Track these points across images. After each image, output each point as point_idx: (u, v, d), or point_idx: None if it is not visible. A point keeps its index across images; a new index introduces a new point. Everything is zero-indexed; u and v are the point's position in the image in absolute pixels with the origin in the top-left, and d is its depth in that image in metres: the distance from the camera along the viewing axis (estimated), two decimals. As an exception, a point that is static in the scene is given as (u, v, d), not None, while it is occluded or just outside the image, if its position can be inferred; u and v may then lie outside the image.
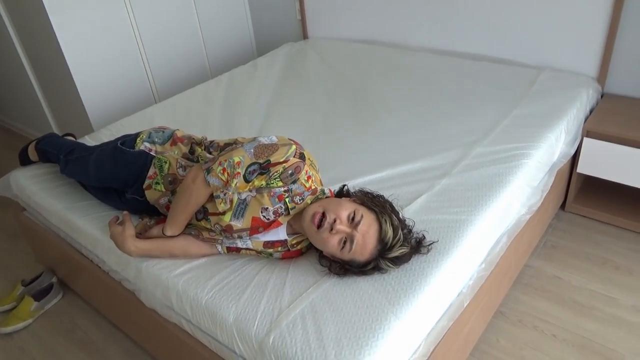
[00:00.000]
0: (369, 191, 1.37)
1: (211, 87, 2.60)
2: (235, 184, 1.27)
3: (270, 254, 1.41)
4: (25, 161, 1.98)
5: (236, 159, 1.27)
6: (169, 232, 1.39)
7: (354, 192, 1.37)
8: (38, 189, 1.85)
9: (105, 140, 2.01)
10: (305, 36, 3.25)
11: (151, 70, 2.95)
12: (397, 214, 1.30)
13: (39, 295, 1.98)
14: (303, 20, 3.18)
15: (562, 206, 2.26)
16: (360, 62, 2.69)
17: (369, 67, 2.62)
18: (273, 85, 2.58)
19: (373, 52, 2.78)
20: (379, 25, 2.86)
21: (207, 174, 1.29)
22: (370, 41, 2.93)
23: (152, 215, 1.56)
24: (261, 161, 1.27)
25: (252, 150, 1.29)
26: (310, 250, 1.41)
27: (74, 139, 2.02)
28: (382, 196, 1.35)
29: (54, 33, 2.46)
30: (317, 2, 3.05)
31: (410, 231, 1.32)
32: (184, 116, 2.33)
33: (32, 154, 1.95)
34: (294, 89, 2.52)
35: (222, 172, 1.28)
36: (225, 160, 1.28)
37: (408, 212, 1.48)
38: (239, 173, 1.27)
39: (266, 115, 2.27)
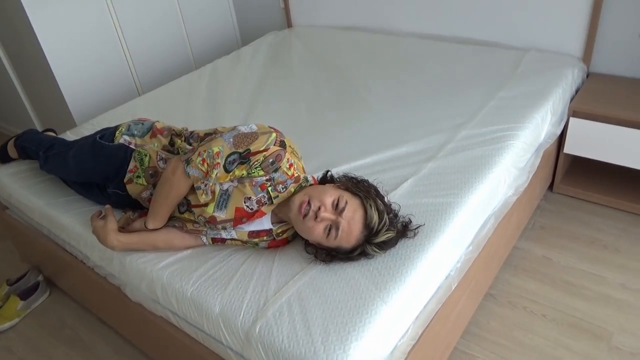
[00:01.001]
0: (353, 176, 1.35)
1: (194, 79, 2.57)
2: (216, 175, 1.25)
3: (256, 244, 1.39)
4: (4, 158, 1.94)
5: (215, 149, 1.25)
6: (151, 225, 1.37)
7: (338, 178, 1.36)
8: (19, 187, 1.82)
9: (88, 134, 1.98)
10: (289, 24, 3.20)
11: (134, 63, 2.90)
12: (382, 198, 1.28)
13: (25, 294, 1.96)
14: (287, 9, 3.14)
15: (550, 187, 2.26)
16: (345, 49, 2.66)
17: (354, 53, 2.59)
18: (257, 75, 2.55)
19: (357, 38, 2.75)
20: (363, 11, 2.83)
21: (187, 165, 1.27)
22: (354, 28, 2.90)
23: (135, 209, 1.53)
24: (241, 150, 1.25)
25: (232, 140, 1.26)
26: (296, 238, 1.40)
27: (54, 134, 1.99)
28: (366, 181, 1.34)
29: (33, 28, 2.41)
30: (300, -10, 3.02)
31: (396, 215, 1.31)
32: (167, 108, 2.30)
33: (11, 151, 1.91)
34: (278, 77, 2.49)
35: (201, 162, 1.25)
36: (205, 151, 1.26)
37: (394, 197, 1.47)
38: (218, 163, 1.24)
39: (250, 104, 2.24)
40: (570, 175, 2.26)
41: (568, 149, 2.08)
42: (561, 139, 2.09)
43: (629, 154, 1.94)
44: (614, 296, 1.73)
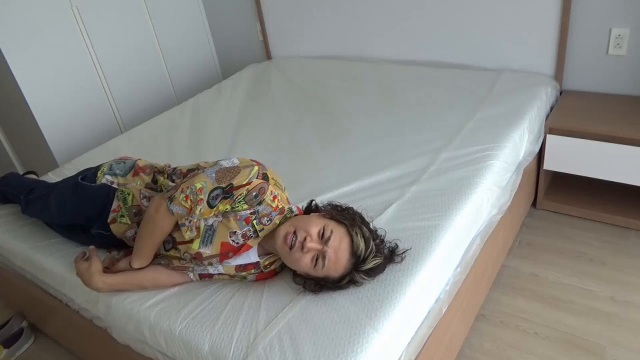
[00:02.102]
0: (338, 204, 1.36)
1: (176, 114, 2.58)
2: (200, 211, 1.25)
3: (244, 277, 1.38)
4: (-15, 204, 1.92)
5: (198, 185, 1.25)
6: (136, 265, 1.35)
7: (323, 207, 1.36)
8: (0, 231, 1.79)
9: (70, 175, 1.97)
10: (268, 56, 3.26)
11: (115, 101, 2.91)
12: (367, 225, 1.29)
13: (8, 342, 1.90)
14: (265, 41, 3.20)
15: (534, 204, 2.29)
16: (324, 77, 2.71)
17: (333, 82, 2.63)
18: (238, 107, 2.57)
19: (336, 67, 2.80)
20: (339, 40, 2.89)
21: (170, 202, 1.26)
22: (332, 56, 2.96)
23: (120, 248, 1.52)
24: (224, 185, 1.25)
25: (214, 175, 1.27)
26: (284, 269, 1.39)
27: (35, 177, 1.97)
28: (351, 208, 1.34)
29: (11, 70, 2.41)
30: (278, 22, 3.08)
31: (382, 241, 1.31)
32: (150, 145, 2.30)
33: (-9, 195, 1.89)
34: (259, 109, 2.51)
35: (184, 199, 1.25)
36: (187, 188, 1.26)
37: (380, 222, 1.48)
38: (202, 199, 1.24)
39: (233, 137, 2.25)
40: (552, 191, 2.29)
41: (547, 165, 2.12)
42: (540, 156, 2.14)
43: (606, 167, 1.99)
44: (604, 310, 1.74)
